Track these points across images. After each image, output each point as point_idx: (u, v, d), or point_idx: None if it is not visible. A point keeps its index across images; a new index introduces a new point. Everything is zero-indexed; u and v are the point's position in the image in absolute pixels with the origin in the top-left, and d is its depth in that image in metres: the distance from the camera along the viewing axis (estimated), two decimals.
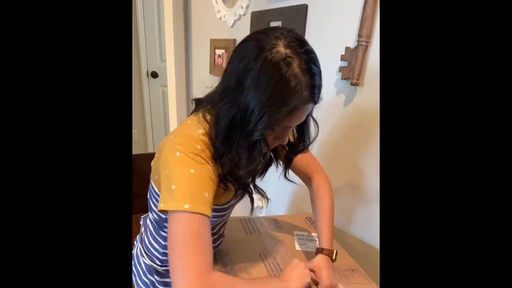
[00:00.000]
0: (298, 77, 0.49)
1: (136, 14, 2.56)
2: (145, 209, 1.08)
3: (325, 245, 0.70)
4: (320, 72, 0.53)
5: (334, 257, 0.69)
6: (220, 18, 1.40)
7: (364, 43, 0.84)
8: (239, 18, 1.32)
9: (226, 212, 0.68)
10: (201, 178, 0.53)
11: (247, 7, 1.26)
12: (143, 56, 2.65)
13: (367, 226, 0.93)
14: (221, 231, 0.76)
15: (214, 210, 0.58)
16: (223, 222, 0.74)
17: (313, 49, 0.53)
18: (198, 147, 0.55)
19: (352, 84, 0.88)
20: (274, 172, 0.81)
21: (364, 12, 0.83)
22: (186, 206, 0.50)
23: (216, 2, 1.40)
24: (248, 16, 1.25)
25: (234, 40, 1.35)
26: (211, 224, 0.61)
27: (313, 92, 0.52)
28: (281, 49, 0.49)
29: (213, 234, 0.70)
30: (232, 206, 0.70)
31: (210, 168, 0.55)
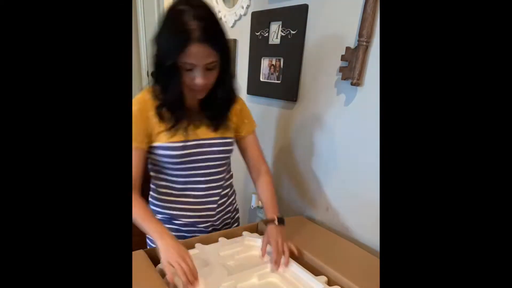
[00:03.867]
0: (186, 23, 0.67)
1: (136, 14, 2.56)
2: None
3: (271, 215, 0.86)
4: (208, 19, 0.70)
5: (278, 222, 0.85)
6: (221, 18, 1.40)
7: (364, 43, 0.84)
8: (239, 18, 1.32)
9: (185, 151, 0.82)
10: (135, 122, 0.75)
11: (248, 7, 1.26)
12: (143, 56, 2.65)
13: (367, 226, 0.93)
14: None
15: (170, 148, 0.80)
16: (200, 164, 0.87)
17: (206, 5, 0.72)
18: (139, 97, 0.80)
19: (352, 84, 0.88)
20: (274, 173, 0.81)
21: (365, 12, 0.83)
22: None
23: (217, 2, 1.40)
24: (249, 16, 1.25)
25: (235, 40, 1.35)
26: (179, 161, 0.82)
27: (192, 34, 0.67)
28: (181, 6, 0.69)
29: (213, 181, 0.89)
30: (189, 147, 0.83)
31: (144, 112, 0.78)
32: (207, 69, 0.73)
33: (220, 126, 0.86)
